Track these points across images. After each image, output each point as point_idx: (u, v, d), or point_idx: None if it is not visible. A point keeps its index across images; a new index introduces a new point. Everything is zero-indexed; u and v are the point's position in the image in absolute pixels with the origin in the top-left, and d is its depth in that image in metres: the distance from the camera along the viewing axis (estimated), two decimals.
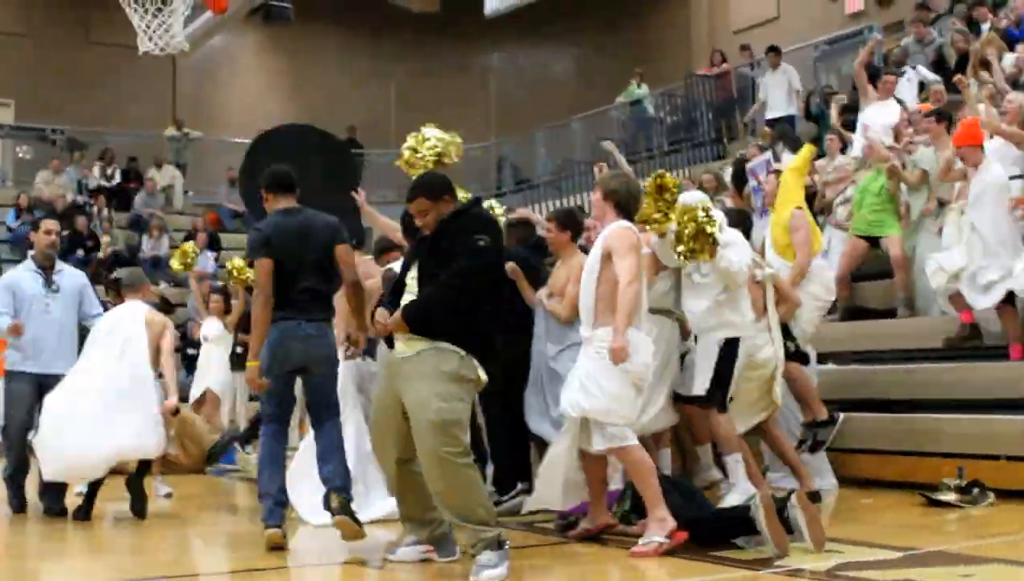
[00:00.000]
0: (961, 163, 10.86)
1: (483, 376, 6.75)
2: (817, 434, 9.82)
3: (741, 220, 9.74)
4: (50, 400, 9.56)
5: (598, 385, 7.30)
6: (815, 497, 8.62)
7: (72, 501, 9.82)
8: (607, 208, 7.73)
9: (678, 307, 9.20)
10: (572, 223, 8.97)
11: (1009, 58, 14.66)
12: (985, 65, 14.35)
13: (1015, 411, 9.84)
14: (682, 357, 9.22)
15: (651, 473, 7.36)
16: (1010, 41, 15.57)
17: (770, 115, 19.77)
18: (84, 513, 9.59)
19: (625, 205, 7.71)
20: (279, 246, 7.71)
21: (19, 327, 9.89)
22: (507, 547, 6.53)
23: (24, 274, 10.44)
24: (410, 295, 6.78)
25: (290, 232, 7.77)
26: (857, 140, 14.40)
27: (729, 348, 8.85)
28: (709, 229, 8.39)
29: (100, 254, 23.27)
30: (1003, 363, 10.31)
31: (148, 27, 14.27)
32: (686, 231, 8.38)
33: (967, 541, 7.76)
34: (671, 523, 7.14)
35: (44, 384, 9.99)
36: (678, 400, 9.12)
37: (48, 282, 10.31)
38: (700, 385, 8.88)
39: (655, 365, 8.17)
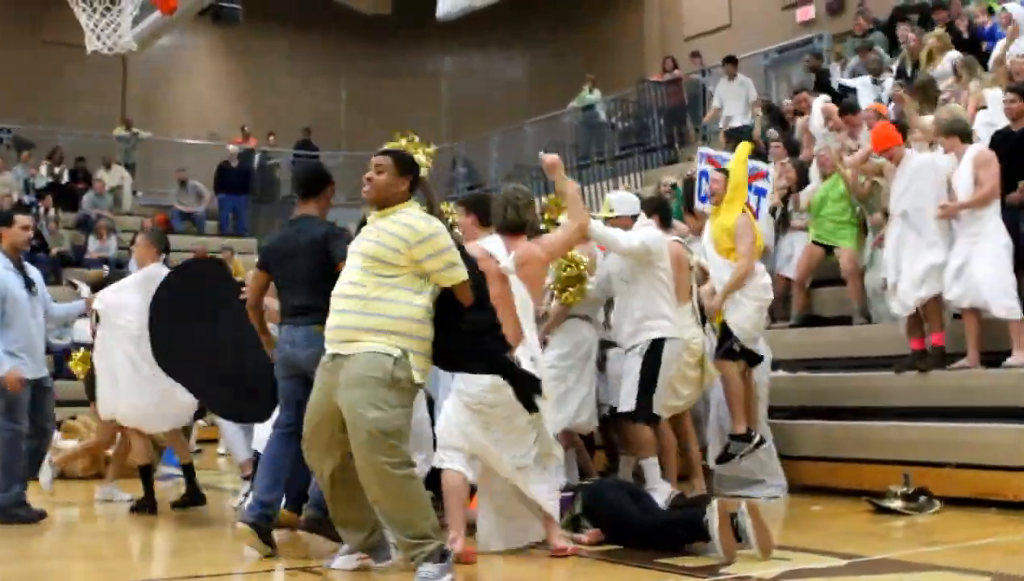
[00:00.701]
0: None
1: (419, 379, 6.58)
2: (729, 446, 9.88)
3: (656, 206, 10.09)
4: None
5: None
6: (704, 500, 8.57)
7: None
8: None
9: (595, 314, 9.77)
10: (479, 207, 8.80)
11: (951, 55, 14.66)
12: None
13: (963, 419, 9.89)
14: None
15: (458, 500, 7.36)
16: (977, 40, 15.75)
17: (729, 125, 19.81)
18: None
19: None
20: (271, 262, 7.86)
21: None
22: (450, 558, 6.40)
23: (6, 274, 9.87)
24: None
25: (279, 249, 7.86)
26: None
27: (654, 350, 8.98)
28: (584, 278, 9.31)
29: (49, 254, 23.16)
30: (952, 372, 10.32)
31: (96, 26, 14.21)
32: (564, 274, 9.18)
33: (912, 548, 7.77)
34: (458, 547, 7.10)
35: (36, 389, 9.95)
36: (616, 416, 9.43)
37: (27, 283, 10.00)
38: (626, 402, 9.03)
39: (566, 366, 9.17)
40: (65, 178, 26.05)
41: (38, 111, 27.97)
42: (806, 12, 25.12)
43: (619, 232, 9.11)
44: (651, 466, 9.10)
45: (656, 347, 8.98)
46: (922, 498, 9.16)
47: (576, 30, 31.73)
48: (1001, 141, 11.01)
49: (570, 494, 8.18)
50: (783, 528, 8.70)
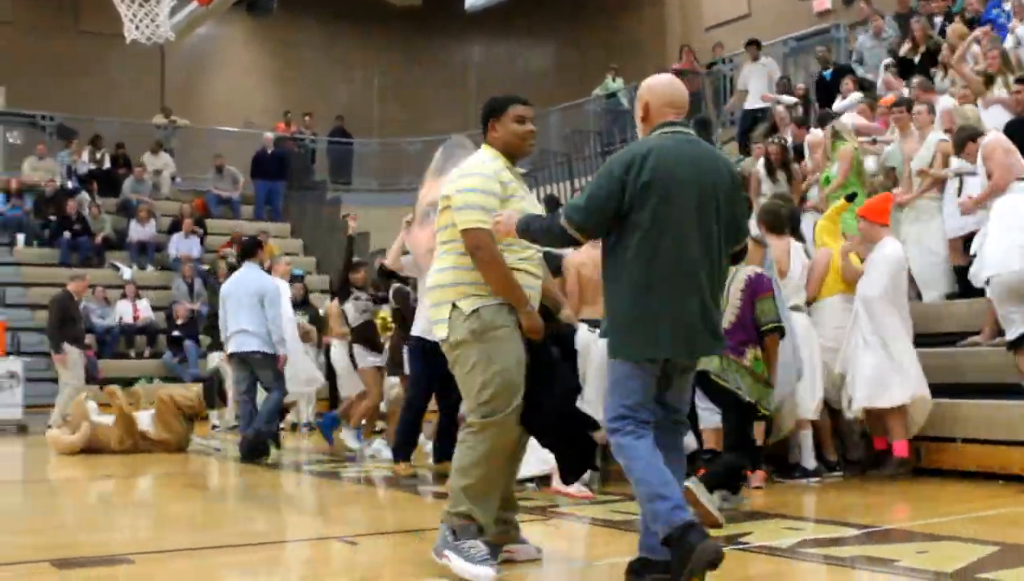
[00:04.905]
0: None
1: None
2: None
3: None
4: None
5: None
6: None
7: None
8: None
9: None
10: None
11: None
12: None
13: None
14: None
15: None
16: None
17: (748, 106, 20.24)
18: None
19: None
20: None
21: None
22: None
23: None
24: None
25: None
26: None
27: None
28: None
29: (92, 238, 23.86)
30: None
31: (135, 17, 14.71)
32: None
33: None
34: None
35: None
36: None
37: None
38: None
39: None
40: (107, 164, 26.66)
41: (79, 100, 28.49)
42: (822, 2, 25.31)
43: None
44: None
45: None
46: None
47: (600, 20, 32.09)
48: (1015, 130, 11.47)
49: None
50: (804, 498, 8.98)
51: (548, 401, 5.98)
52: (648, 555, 5.52)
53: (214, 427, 17.43)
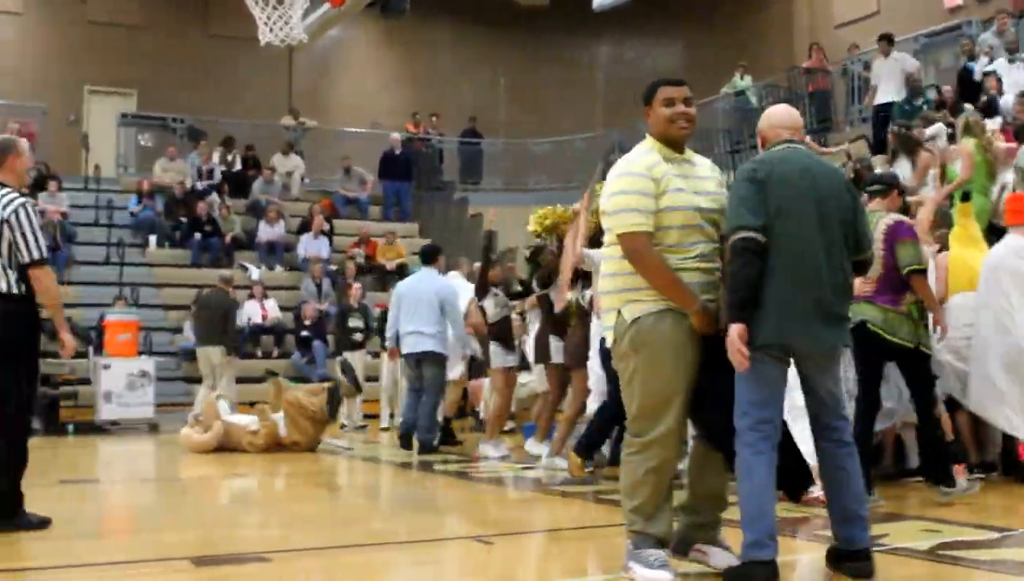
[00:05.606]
0: None
1: None
2: None
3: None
4: None
5: None
6: None
7: None
8: None
9: None
10: None
11: None
12: None
13: None
14: None
15: None
16: None
17: (879, 100, 19.86)
18: None
19: None
20: None
21: None
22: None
23: None
24: None
25: None
26: None
27: None
28: None
29: (223, 238, 24.16)
30: None
31: (269, 19, 14.94)
32: None
33: None
34: None
35: None
36: None
37: None
38: None
39: None
40: (237, 166, 26.96)
41: (208, 102, 28.96)
42: None
43: None
44: None
45: None
46: None
47: (727, 17, 31.94)
48: None
49: None
50: (934, 501, 8.68)
51: (718, 422, 5.81)
52: (842, 546, 5.82)
53: (343, 426, 17.54)
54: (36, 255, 7.70)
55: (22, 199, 7.78)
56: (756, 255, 5.59)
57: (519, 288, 13.86)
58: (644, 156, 5.91)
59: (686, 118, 5.95)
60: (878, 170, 12.76)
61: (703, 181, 5.92)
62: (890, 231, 8.58)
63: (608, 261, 5.95)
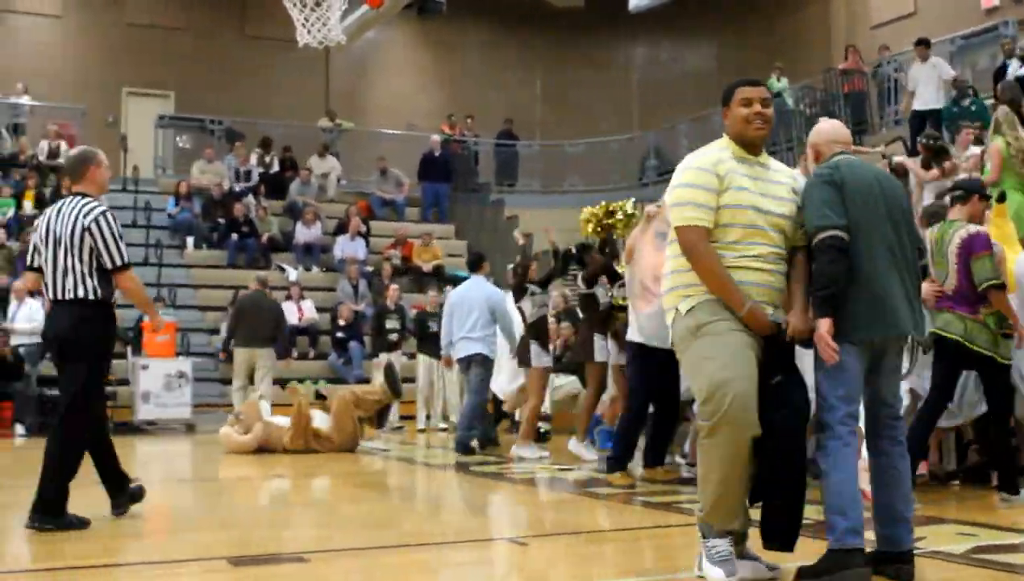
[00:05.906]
0: None
1: None
2: None
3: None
4: None
5: None
6: None
7: None
8: None
9: None
10: None
11: None
12: None
13: None
14: None
15: None
16: None
17: (917, 107, 19.67)
18: None
19: None
20: None
21: None
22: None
23: None
24: None
25: None
26: None
27: None
28: None
29: (259, 239, 24.24)
30: None
31: (307, 21, 15.02)
32: None
33: None
34: None
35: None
36: None
37: None
38: None
39: None
40: (275, 167, 27.04)
41: (244, 104, 29.11)
42: None
43: None
44: None
45: None
46: None
47: (763, 19, 31.77)
48: None
49: None
50: (970, 504, 8.80)
51: (778, 421, 5.73)
52: (885, 547, 5.85)
53: (380, 427, 17.56)
54: (119, 261, 7.93)
55: (103, 207, 7.99)
56: (842, 253, 5.63)
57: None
58: (714, 152, 5.92)
59: (762, 119, 5.90)
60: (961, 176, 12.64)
61: (775, 186, 5.91)
62: (964, 245, 8.65)
63: (669, 259, 5.97)
